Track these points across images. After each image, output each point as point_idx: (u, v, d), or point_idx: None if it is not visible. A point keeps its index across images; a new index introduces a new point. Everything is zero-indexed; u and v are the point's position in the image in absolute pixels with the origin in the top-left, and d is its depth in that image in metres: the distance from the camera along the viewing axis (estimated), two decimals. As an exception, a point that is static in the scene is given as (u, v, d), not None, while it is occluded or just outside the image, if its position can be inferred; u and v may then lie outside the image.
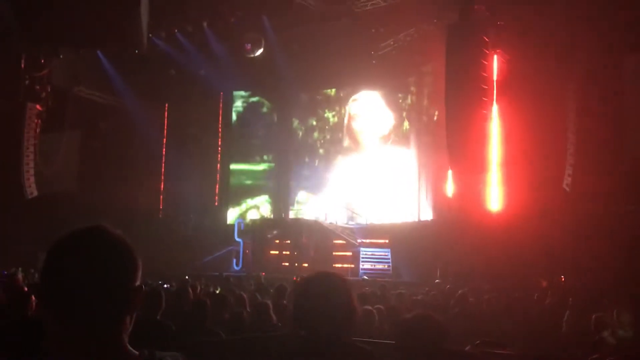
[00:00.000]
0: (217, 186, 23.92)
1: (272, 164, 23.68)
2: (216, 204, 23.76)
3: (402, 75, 20.66)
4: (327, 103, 22.93)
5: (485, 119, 15.10)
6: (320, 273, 1.96)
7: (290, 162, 23.36)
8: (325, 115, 22.84)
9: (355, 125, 21.89)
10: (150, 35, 20.57)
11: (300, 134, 23.39)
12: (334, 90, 22.83)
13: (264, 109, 24.15)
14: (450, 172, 16.87)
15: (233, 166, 24.01)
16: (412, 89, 20.81)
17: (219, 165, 24.01)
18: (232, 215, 23.34)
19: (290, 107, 23.54)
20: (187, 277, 11.29)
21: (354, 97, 21.97)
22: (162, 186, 23.95)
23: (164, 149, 24.01)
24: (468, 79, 14.88)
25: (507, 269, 13.41)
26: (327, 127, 22.81)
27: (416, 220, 19.27)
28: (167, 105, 24.16)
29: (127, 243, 1.29)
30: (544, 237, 13.55)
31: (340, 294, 1.86)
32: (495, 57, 15.24)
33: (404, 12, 17.70)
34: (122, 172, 21.81)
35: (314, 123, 23.10)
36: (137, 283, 1.29)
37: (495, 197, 15.47)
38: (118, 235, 1.30)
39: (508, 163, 15.28)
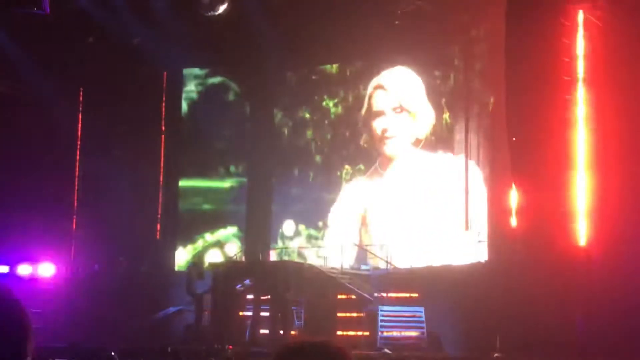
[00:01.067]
0: (160, 213, 23.84)
1: (244, 179, 23.65)
2: (158, 238, 23.66)
3: (441, 42, 20.75)
4: (326, 85, 22.99)
5: (567, 107, 15.10)
6: (307, 344, 1.91)
7: (271, 176, 23.31)
8: (324, 103, 22.88)
9: (378, 124, 21.74)
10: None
11: (287, 132, 23.39)
12: (336, 66, 22.88)
13: (231, 96, 24.16)
14: (514, 190, 16.83)
15: (184, 182, 23.96)
16: (457, 63, 20.91)
17: (161, 181, 23.96)
18: (182, 257, 23.27)
19: (270, 92, 23.58)
20: (112, 354, 11.24)
21: (377, 80, 21.88)
22: (74, 214, 23.83)
23: (77, 157, 23.94)
24: (541, 49, 14.89)
25: (608, 335, 13.32)
26: (326, 121, 22.84)
27: (464, 262, 19.20)
28: (82, 90, 24.15)
29: (14, 301, 1.34)
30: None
31: None
32: (581, 14, 15.27)
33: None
34: (14, 196, 21.64)
35: (307, 116, 23.13)
36: (28, 359, 1.32)
37: (583, 224, 15.42)
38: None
39: (603, 173, 15.25)
